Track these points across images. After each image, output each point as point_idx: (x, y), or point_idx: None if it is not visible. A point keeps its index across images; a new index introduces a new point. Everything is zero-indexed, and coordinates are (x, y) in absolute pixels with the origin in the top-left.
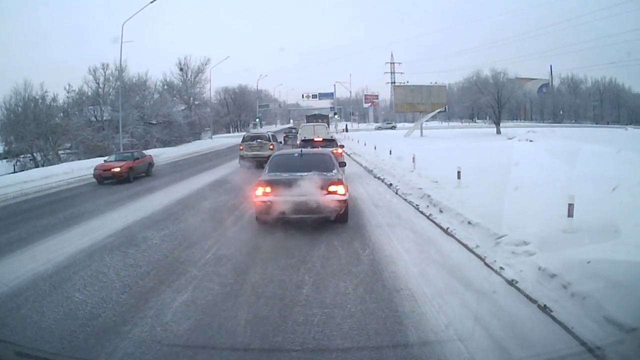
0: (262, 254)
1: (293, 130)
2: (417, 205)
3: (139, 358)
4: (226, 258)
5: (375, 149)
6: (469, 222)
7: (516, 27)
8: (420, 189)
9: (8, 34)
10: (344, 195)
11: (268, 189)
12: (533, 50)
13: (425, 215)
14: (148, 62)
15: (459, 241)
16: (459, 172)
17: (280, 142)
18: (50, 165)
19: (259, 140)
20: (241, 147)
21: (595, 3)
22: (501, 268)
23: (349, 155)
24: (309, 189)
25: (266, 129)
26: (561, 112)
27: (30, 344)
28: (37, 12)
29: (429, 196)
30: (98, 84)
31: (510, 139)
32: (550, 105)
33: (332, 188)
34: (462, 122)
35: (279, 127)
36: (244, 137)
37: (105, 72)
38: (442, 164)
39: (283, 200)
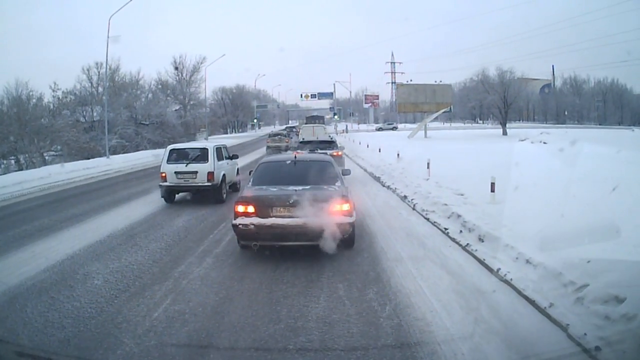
0: (235, 313)
1: (294, 129)
2: (445, 228)
3: None
4: (181, 319)
5: (380, 151)
6: (528, 261)
7: (517, 27)
8: (446, 204)
9: (7, 33)
10: (349, 215)
11: (251, 209)
12: (534, 50)
13: (461, 245)
14: (145, 63)
15: (520, 293)
16: (492, 184)
17: (291, 138)
18: (34, 168)
19: (279, 136)
20: (268, 141)
21: (597, 2)
22: (597, 348)
23: (350, 159)
24: (304, 209)
25: (264, 130)
26: (565, 113)
27: None
28: (36, 11)
29: (459, 216)
30: (91, 83)
31: (522, 140)
32: (553, 105)
33: (334, 207)
34: (464, 123)
35: (278, 127)
36: (269, 134)
37: (99, 71)
38: (459, 170)
39: (270, 224)
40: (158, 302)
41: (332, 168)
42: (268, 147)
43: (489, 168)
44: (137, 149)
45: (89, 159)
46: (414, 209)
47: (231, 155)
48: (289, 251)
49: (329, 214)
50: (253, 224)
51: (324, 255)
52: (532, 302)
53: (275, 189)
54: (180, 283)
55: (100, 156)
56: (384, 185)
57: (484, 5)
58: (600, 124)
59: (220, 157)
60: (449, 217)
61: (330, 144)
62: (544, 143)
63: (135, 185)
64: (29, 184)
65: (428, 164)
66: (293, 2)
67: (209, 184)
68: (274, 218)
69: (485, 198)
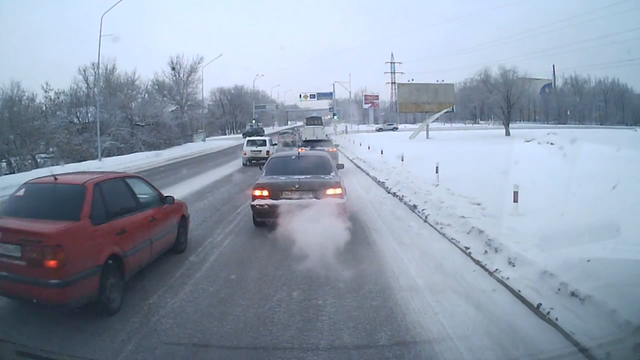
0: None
1: (295, 129)
2: (466, 247)
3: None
4: None
5: (382, 153)
6: (573, 294)
7: (517, 26)
8: (463, 217)
9: (3, 33)
10: (341, 197)
11: (265, 192)
12: (534, 50)
13: (487, 271)
14: (143, 64)
15: (569, 338)
16: (515, 193)
17: (295, 135)
18: (26, 171)
19: (287, 133)
20: (279, 137)
21: (597, 2)
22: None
23: (351, 161)
24: (306, 192)
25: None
26: (568, 113)
27: None
28: (34, 11)
29: (480, 231)
30: (88, 84)
31: (528, 141)
32: (554, 105)
33: (329, 191)
34: (465, 123)
35: (276, 128)
36: (279, 132)
37: (95, 72)
38: (469, 175)
39: (279, 204)
40: (118, 348)
41: (328, 162)
42: (279, 141)
43: (500, 172)
44: (132, 150)
45: (82, 161)
46: (425, 221)
47: (274, 143)
48: (281, 279)
49: (325, 196)
50: (267, 205)
51: (323, 285)
52: (583, 351)
53: (283, 178)
54: (148, 320)
55: (93, 158)
56: (389, 192)
57: (483, 3)
58: (601, 124)
59: (270, 144)
60: (468, 233)
61: (327, 142)
62: (551, 144)
63: None
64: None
65: (437, 168)
66: (292, 1)
67: (267, 156)
68: (283, 199)
69: (506, 208)
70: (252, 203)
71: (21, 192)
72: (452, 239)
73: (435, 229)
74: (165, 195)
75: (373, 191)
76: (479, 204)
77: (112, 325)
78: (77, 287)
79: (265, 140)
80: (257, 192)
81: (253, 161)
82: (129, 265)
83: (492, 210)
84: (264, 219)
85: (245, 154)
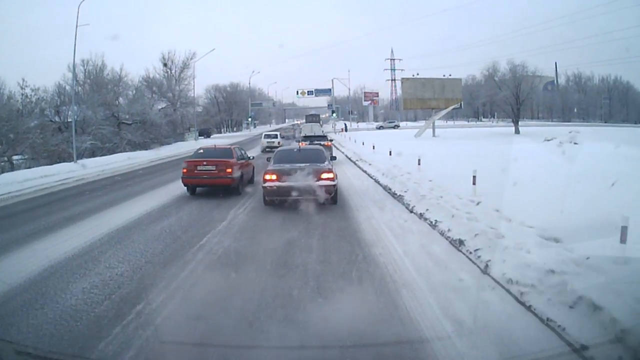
0: None
1: (295, 126)
2: (583, 346)
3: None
4: None
5: (390, 154)
6: None
7: (517, 23)
8: (552, 271)
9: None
10: (332, 180)
11: (274, 177)
12: (535, 47)
13: None
14: (138, 63)
15: None
16: (625, 229)
17: (295, 130)
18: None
19: (288, 129)
20: (281, 132)
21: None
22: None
23: (354, 163)
24: (305, 176)
25: (260, 129)
26: (575, 110)
27: None
28: (33, 10)
29: (596, 307)
30: (77, 81)
31: (548, 140)
32: (558, 103)
33: (324, 175)
34: (468, 121)
35: (274, 127)
36: (281, 129)
37: (85, 69)
38: (513, 188)
39: (286, 185)
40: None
41: (323, 154)
42: (282, 136)
43: (547, 182)
44: (115, 151)
45: (60, 162)
46: (485, 272)
47: (283, 136)
48: None
49: (320, 179)
50: (276, 185)
51: None
52: None
53: (288, 165)
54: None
55: (72, 160)
56: (411, 212)
57: (484, 3)
58: (605, 122)
59: (280, 137)
60: (572, 307)
61: (323, 137)
62: (575, 144)
63: (87, 200)
64: None
65: (474, 178)
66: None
67: (278, 145)
68: (287, 182)
69: (607, 250)
70: (264, 185)
71: (201, 151)
72: (547, 320)
73: (510, 292)
74: (249, 155)
75: (389, 208)
76: (557, 241)
77: (239, 197)
78: (234, 180)
79: (277, 135)
80: (268, 177)
81: (268, 149)
82: (244, 179)
83: (584, 251)
84: (273, 197)
85: (263, 144)
